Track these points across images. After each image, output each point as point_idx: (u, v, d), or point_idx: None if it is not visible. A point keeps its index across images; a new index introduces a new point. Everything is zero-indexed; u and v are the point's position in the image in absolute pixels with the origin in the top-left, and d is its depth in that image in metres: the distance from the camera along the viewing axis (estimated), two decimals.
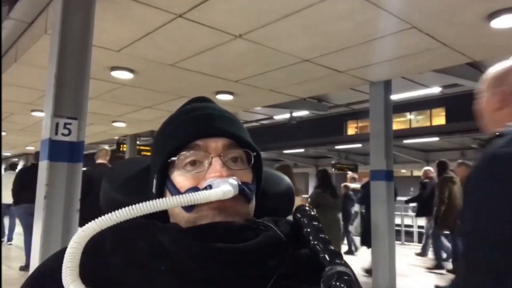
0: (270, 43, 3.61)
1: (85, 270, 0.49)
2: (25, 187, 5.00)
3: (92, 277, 0.50)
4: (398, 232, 7.61)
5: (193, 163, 0.63)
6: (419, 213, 7.23)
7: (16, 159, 16.74)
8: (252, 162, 0.66)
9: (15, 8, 3.49)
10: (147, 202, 0.53)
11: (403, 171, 19.48)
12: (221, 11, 3.01)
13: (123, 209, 0.51)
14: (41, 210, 2.35)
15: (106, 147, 6.44)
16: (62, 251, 0.52)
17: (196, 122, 0.65)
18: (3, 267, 5.00)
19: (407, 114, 18.02)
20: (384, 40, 3.48)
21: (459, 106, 14.49)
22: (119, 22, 3.24)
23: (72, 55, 2.54)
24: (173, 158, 0.63)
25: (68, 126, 2.43)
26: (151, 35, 3.46)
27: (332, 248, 0.55)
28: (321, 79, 4.68)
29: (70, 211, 2.44)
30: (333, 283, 0.49)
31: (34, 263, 2.35)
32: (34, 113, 6.88)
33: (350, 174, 9.41)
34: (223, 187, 0.57)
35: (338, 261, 0.53)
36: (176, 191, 0.62)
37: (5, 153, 15.54)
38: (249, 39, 3.51)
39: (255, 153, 0.67)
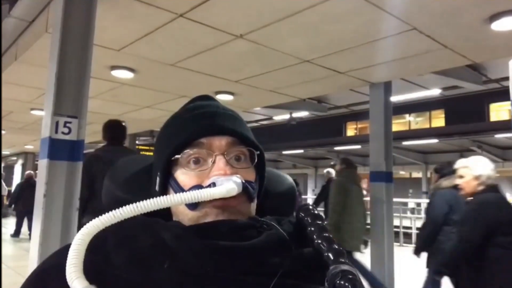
0: (270, 43, 3.61)
1: (89, 267, 0.49)
2: None
3: (95, 274, 0.50)
4: (396, 234, 7.61)
5: (197, 161, 0.63)
6: None
7: (15, 158, 16.72)
8: (256, 160, 0.66)
9: (16, 6, 3.49)
10: (151, 199, 0.53)
11: (402, 172, 19.50)
12: (222, 11, 3.01)
13: (127, 206, 0.51)
14: (40, 209, 2.34)
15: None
16: (65, 248, 0.52)
17: (200, 120, 0.65)
18: (3, 266, 4.99)
19: (407, 115, 18.03)
20: (384, 42, 3.49)
21: (459, 108, 14.54)
22: (120, 21, 3.24)
23: (73, 54, 2.54)
24: (176, 156, 0.63)
25: (68, 124, 2.43)
26: (152, 34, 3.46)
27: (336, 247, 0.55)
28: (321, 80, 4.69)
29: (70, 210, 2.43)
30: (338, 282, 0.49)
31: (33, 261, 2.34)
32: (33, 112, 6.87)
33: None
34: (227, 185, 0.57)
35: (342, 260, 0.53)
36: (180, 189, 0.61)
37: (3, 152, 15.52)
38: (250, 39, 3.51)
39: (258, 152, 0.66)
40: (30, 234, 8.29)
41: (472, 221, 2.47)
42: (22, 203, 8.66)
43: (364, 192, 8.33)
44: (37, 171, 2.65)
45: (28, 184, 8.90)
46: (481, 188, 2.52)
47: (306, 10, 2.94)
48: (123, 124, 3.39)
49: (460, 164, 2.65)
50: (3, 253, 6.42)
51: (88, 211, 2.95)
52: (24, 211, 8.59)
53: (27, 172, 10.09)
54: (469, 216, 2.53)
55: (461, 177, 2.61)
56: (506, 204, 2.54)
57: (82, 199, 2.70)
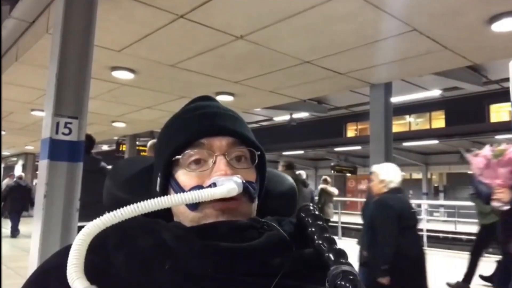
0: (271, 44, 3.61)
1: (89, 267, 0.49)
2: None
3: (96, 274, 0.50)
4: None
5: (198, 161, 0.63)
6: None
7: (15, 159, 16.73)
8: (256, 161, 0.66)
9: (17, 7, 3.50)
10: (152, 200, 0.53)
11: (402, 173, 19.49)
12: (223, 12, 3.02)
13: (127, 206, 0.51)
14: (41, 209, 2.35)
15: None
16: (66, 249, 0.52)
17: (201, 120, 0.65)
18: (2, 267, 4.99)
19: (407, 116, 18.04)
20: (385, 43, 3.49)
21: (459, 109, 14.55)
22: (120, 22, 3.24)
23: (74, 55, 2.54)
24: (177, 157, 0.63)
25: (68, 125, 2.43)
26: (152, 35, 3.46)
27: (337, 247, 0.55)
28: (321, 81, 4.69)
29: (70, 211, 2.43)
30: (338, 282, 0.49)
31: (33, 262, 2.34)
32: (33, 113, 6.88)
33: (324, 176, 8.95)
34: (228, 185, 0.57)
35: (343, 261, 0.53)
36: (180, 190, 0.61)
37: (3, 152, 15.52)
38: (250, 40, 3.52)
39: (259, 152, 0.66)
40: (11, 232, 8.35)
41: (383, 225, 2.83)
42: (10, 203, 8.67)
43: (333, 189, 8.39)
44: (36, 172, 2.65)
45: (17, 185, 8.91)
46: (384, 190, 2.95)
47: (306, 11, 2.94)
48: (93, 137, 4.17)
49: (372, 169, 3.12)
50: (3, 253, 6.42)
51: None
52: (12, 211, 8.58)
53: (19, 174, 10.12)
54: (379, 220, 2.89)
55: (371, 180, 3.08)
56: (405, 201, 3.03)
57: None
